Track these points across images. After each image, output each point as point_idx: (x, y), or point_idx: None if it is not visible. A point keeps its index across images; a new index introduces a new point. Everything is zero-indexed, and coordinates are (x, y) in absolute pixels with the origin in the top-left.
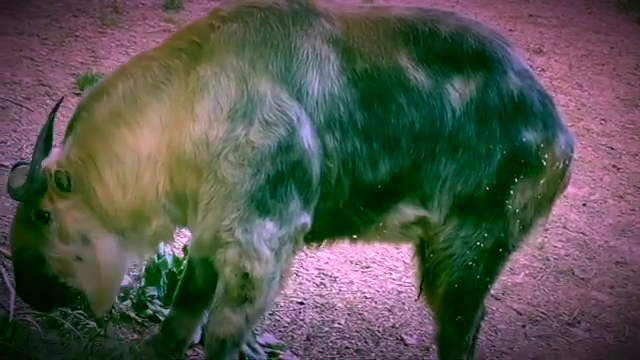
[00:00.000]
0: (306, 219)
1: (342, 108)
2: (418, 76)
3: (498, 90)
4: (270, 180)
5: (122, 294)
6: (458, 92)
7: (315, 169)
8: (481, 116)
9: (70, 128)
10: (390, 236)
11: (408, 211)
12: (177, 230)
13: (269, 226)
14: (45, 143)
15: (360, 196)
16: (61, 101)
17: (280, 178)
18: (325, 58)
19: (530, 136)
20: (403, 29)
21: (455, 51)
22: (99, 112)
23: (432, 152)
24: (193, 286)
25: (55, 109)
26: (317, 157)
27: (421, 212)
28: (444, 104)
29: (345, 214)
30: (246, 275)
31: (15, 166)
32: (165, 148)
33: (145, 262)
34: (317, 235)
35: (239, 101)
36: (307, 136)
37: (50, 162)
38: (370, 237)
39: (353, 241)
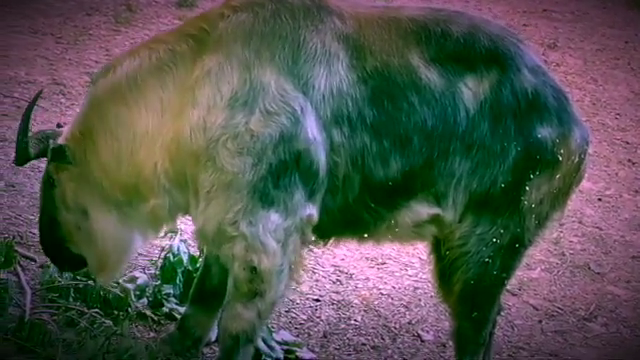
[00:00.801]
0: (312, 210)
1: (350, 104)
2: (430, 75)
3: (512, 88)
4: (272, 170)
5: (138, 292)
6: (471, 91)
7: (321, 160)
8: (495, 114)
9: (84, 102)
10: (402, 235)
11: (421, 209)
12: (180, 216)
13: (274, 217)
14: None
15: (371, 192)
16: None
17: (283, 168)
18: (334, 54)
19: (545, 132)
20: (415, 29)
21: (467, 50)
22: (102, 87)
23: (446, 151)
24: (209, 284)
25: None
26: (323, 148)
27: (435, 210)
28: (457, 103)
29: (355, 210)
30: (254, 269)
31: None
32: (165, 130)
33: (160, 260)
34: (326, 232)
35: (240, 89)
36: (312, 127)
37: (63, 134)
38: (381, 236)
39: (363, 240)
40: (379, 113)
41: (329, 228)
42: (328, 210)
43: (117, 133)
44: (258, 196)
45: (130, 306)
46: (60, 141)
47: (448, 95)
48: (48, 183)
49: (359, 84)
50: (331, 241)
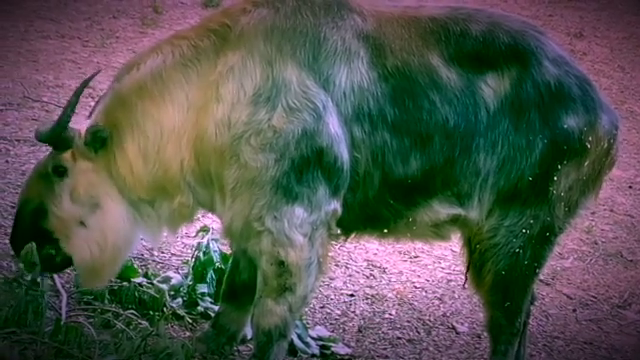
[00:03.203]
0: (336, 205)
1: (371, 101)
2: (450, 75)
3: (533, 82)
4: (295, 166)
5: (172, 292)
6: (492, 88)
7: (344, 156)
8: (518, 109)
9: (102, 98)
10: (421, 233)
11: (441, 209)
12: (201, 214)
13: (299, 212)
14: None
15: (390, 189)
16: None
17: (305, 164)
18: (355, 52)
19: (571, 121)
20: (435, 28)
21: (487, 48)
22: (127, 84)
23: (467, 149)
24: (239, 279)
25: (92, 76)
26: (345, 145)
27: (456, 210)
28: (478, 101)
29: (375, 206)
30: (282, 263)
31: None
32: (191, 126)
33: (191, 260)
34: (347, 227)
35: (263, 85)
36: (334, 123)
37: (79, 127)
38: (400, 233)
39: (383, 236)
40: (400, 111)
41: (349, 223)
42: (348, 205)
43: (145, 129)
44: (282, 191)
45: (165, 306)
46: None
47: (468, 93)
48: (54, 172)
49: (380, 82)
50: (352, 236)
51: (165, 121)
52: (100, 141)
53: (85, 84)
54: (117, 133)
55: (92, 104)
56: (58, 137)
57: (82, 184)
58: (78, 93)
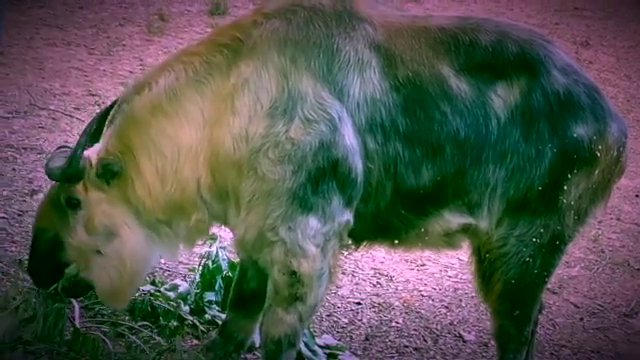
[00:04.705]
0: (349, 216)
1: (384, 112)
2: (460, 85)
3: (542, 91)
4: (311, 177)
5: (180, 300)
6: (502, 99)
7: (358, 167)
8: (527, 119)
9: (110, 121)
10: (432, 243)
11: (452, 219)
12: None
13: (312, 223)
14: (95, 132)
15: (402, 200)
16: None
17: (322, 175)
18: (367, 62)
19: (581, 130)
20: (444, 38)
21: (496, 59)
22: (139, 105)
23: (478, 159)
24: (246, 287)
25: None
26: (359, 156)
27: (467, 220)
28: (488, 112)
29: (386, 217)
30: (294, 273)
31: (59, 148)
32: (207, 143)
33: (199, 268)
34: (358, 237)
35: (279, 98)
36: (349, 134)
37: (90, 154)
38: (411, 243)
39: (394, 246)
40: (412, 121)
41: (361, 234)
42: (360, 216)
43: (162, 149)
44: (297, 202)
45: (181, 318)
46: (94, 158)
47: (479, 104)
48: (67, 204)
49: (391, 92)
50: (363, 246)
51: (182, 140)
52: (111, 174)
53: (94, 122)
54: (132, 156)
55: (97, 111)
56: (72, 174)
57: (96, 215)
58: (88, 132)
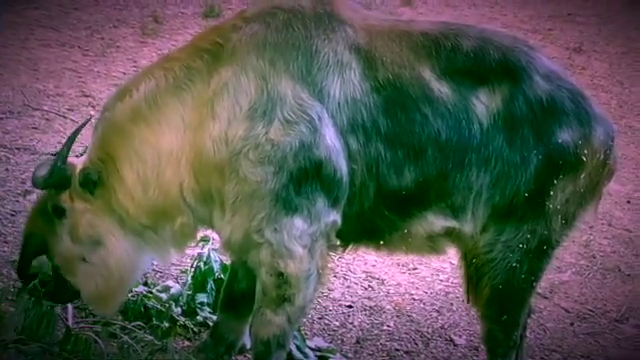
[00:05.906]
0: (335, 217)
1: (365, 113)
2: (442, 88)
3: (525, 98)
4: (294, 178)
5: (172, 301)
6: (484, 104)
7: (342, 168)
8: (510, 126)
9: (95, 129)
10: (416, 246)
11: (436, 221)
12: (201, 230)
13: (298, 224)
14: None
15: (385, 200)
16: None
17: (304, 176)
18: (347, 64)
19: (566, 136)
20: (426, 43)
21: (478, 65)
22: (120, 112)
23: (460, 163)
24: (237, 288)
25: (83, 124)
26: (342, 156)
27: (450, 223)
28: (470, 116)
29: (370, 218)
30: (281, 274)
31: (51, 155)
32: (188, 147)
33: (191, 269)
34: (343, 238)
35: (259, 100)
36: (330, 135)
37: (77, 163)
38: (395, 245)
39: (379, 248)
40: (393, 123)
41: (346, 235)
42: (345, 217)
43: (143, 155)
44: (281, 203)
45: (172, 319)
46: (79, 168)
47: (461, 108)
48: (54, 212)
49: (372, 93)
50: (349, 248)
51: (163, 145)
52: (92, 183)
53: (76, 134)
54: (113, 163)
55: (92, 113)
56: (54, 184)
57: (81, 225)
58: (69, 143)
